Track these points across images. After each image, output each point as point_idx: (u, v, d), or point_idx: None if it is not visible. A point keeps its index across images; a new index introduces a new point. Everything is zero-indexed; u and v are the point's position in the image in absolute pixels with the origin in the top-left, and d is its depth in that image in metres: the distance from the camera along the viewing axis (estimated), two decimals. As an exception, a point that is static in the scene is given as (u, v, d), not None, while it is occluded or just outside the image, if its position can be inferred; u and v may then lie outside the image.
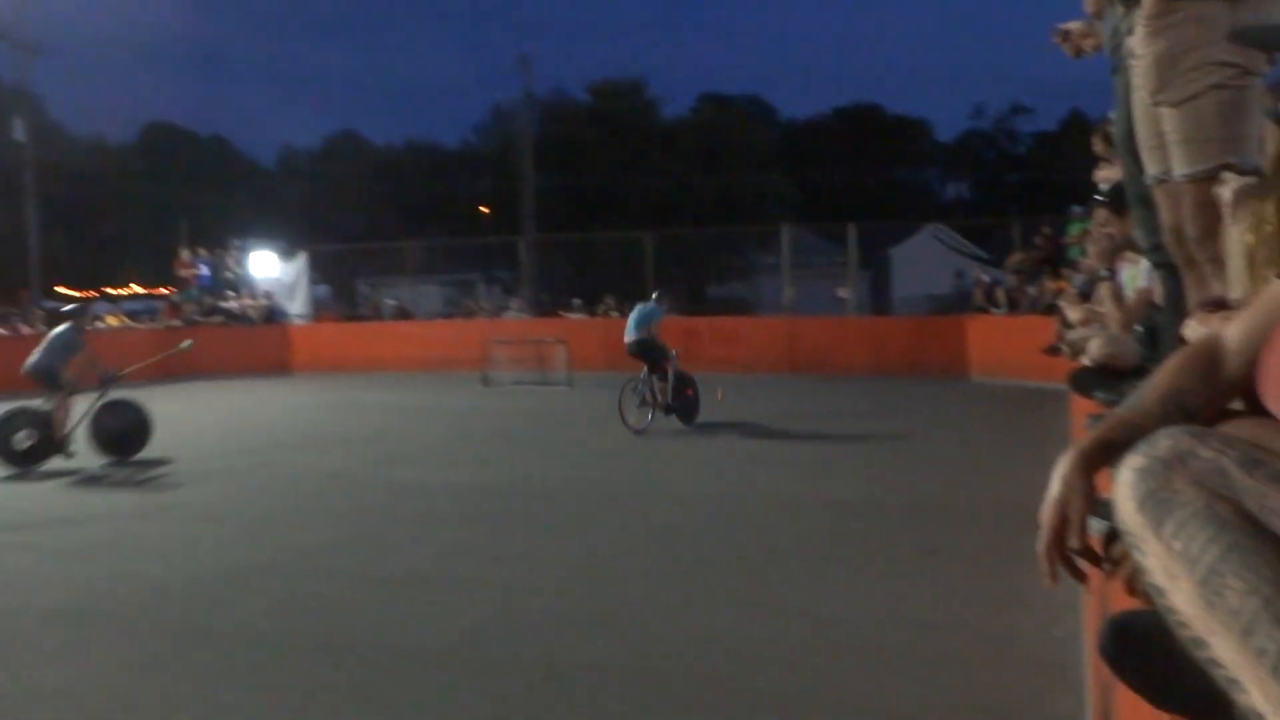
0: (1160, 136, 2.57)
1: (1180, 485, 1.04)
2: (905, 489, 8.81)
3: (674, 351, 12.81)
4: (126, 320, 25.17)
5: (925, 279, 37.58)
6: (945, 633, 5.08)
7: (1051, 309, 13.06)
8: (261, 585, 6.23)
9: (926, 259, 41.33)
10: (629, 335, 12.88)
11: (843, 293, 19.84)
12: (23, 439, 10.32)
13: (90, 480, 10.14)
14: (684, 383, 12.82)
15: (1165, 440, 1.09)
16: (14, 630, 5.43)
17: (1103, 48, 3.31)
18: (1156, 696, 1.18)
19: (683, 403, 12.72)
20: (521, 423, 13.98)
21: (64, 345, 10.90)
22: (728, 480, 9.47)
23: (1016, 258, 18.47)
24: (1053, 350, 9.19)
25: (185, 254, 25.01)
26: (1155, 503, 1.05)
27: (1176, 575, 1.01)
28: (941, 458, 10.48)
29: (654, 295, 13.60)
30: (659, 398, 12.44)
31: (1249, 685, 0.93)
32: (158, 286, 33.85)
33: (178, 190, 43.96)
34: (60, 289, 41.54)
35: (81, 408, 10.97)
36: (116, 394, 11.17)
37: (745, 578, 6.19)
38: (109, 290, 43.78)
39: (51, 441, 10.53)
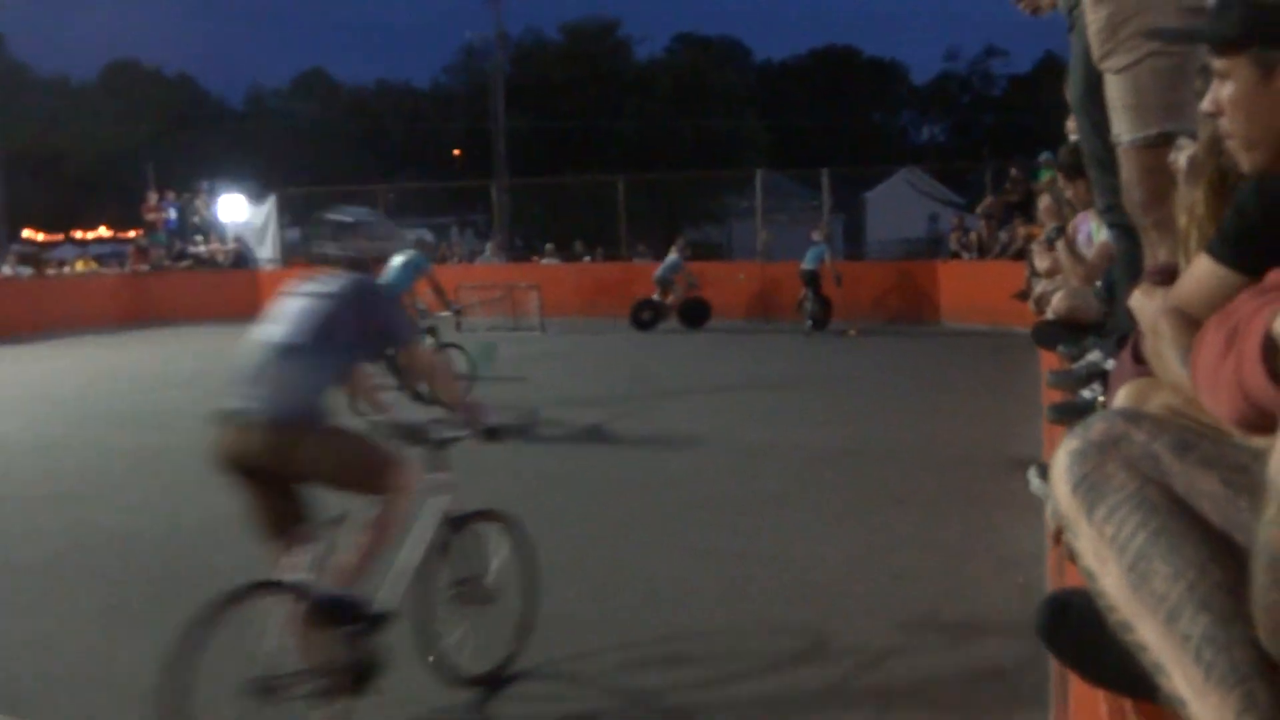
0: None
1: (1113, 469, 1.07)
2: (879, 436, 8.90)
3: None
4: (94, 265, 24.85)
5: (899, 223, 37.61)
6: (913, 579, 5.18)
7: (1022, 254, 13.12)
8: (235, 534, 6.22)
9: (900, 203, 41.30)
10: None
11: (816, 237, 19.74)
12: None
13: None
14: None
15: (1100, 423, 1.11)
16: (-14, 582, 5.44)
17: (1058, 6, 3.31)
18: (1088, 674, 1.22)
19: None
20: (494, 368, 13.95)
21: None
22: (699, 428, 9.52)
23: (986, 202, 18.49)
24: (1022, 295, 9.29)
25: (152, 197, 24.64)
26: (1088, 487, 1.07)
27: (1106, 559, 1.04)
28: (913, 405, 10.56)
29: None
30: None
31: (1171, 670, 0.96)
32: (126, 230, 33.38)
33: (144, 131, 43.21)
34: (27, 232, 40.92)
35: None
36: None
37: (714, 526, 6.26)
38: (77, 234, 43.17)
39: None
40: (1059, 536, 1.33)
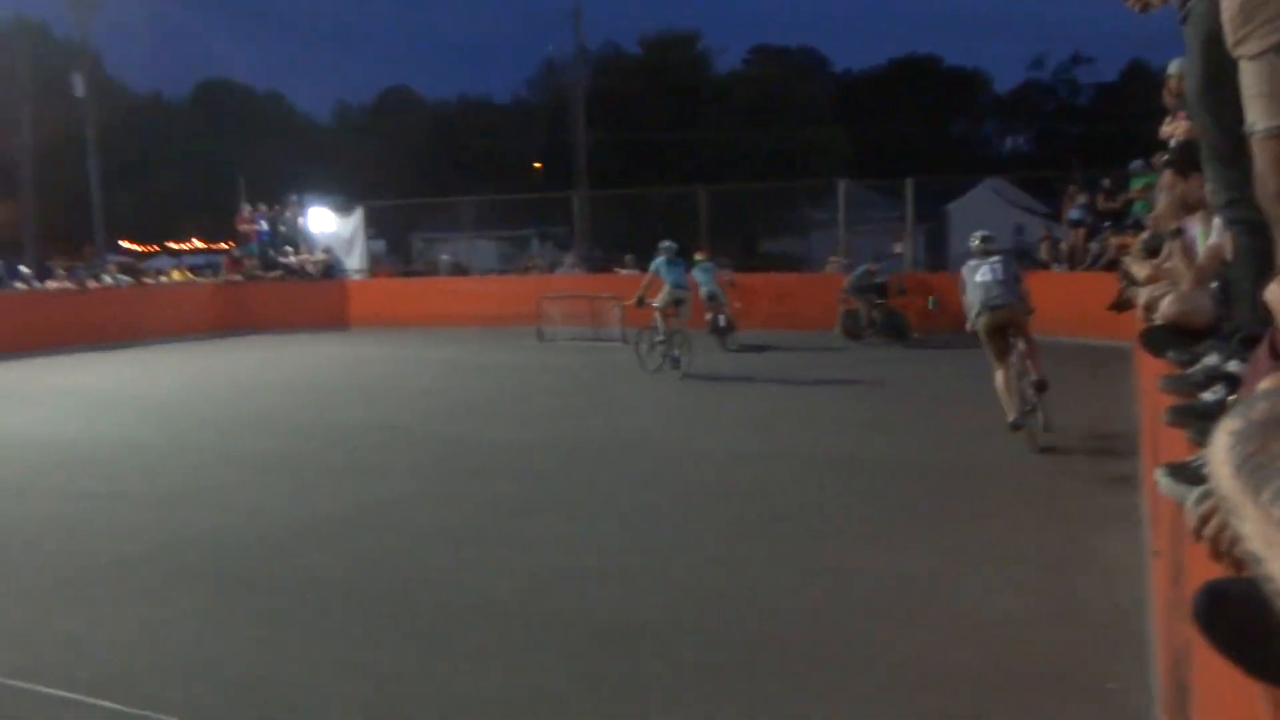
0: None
1: (1278, 449, 1.03)
2: (966, 449, 8.75)
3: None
4: (189, 274, 25.54)
5: (984, 234, 36.98)
6: (1003, 595, 5.07)
7: (1114, 265, 12.83)
8: (328, 536, 6.37)
9: (984, 213, 40.61)
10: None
11: (898, 248, 19.52)
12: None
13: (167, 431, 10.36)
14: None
15: (1263, 403, 1.07)
16: (88, 578, 5.60)
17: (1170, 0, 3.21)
18: (1250, 666, 1.17)
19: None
20: (575, 379, 14.05)
21: None
22: (778, 440, 9.47)
23: (1101, 198, 17.96)
24: (1116, 307, 9.05)
25: (245, 209, 25.28)
26: (1253, 468, 1.03)
27: (1275, 542, 0.99)
28: (999, 417, 10.35)
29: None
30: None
31: None
32: (218, 241, 34.27)
33: (235, 145, 44.37)
34: (124, 244, 42.27)
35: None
36: None
37: (801, 538, 6.20)
38: (171, 245, 44.47)
39: None
40: (1201, 529, 1.29)
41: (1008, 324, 8.56)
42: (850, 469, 8.01)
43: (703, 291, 16.18)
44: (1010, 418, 8.37)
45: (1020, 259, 22.97)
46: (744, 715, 3.80)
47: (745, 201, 34.21)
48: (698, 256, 17.34)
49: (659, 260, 13.91)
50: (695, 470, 8.13)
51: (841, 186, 21.73)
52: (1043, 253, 18.95)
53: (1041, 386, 8.30)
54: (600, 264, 28.86)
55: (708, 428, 10.10)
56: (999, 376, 8.60)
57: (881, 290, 17.34)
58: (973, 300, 8.60)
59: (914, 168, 25.84)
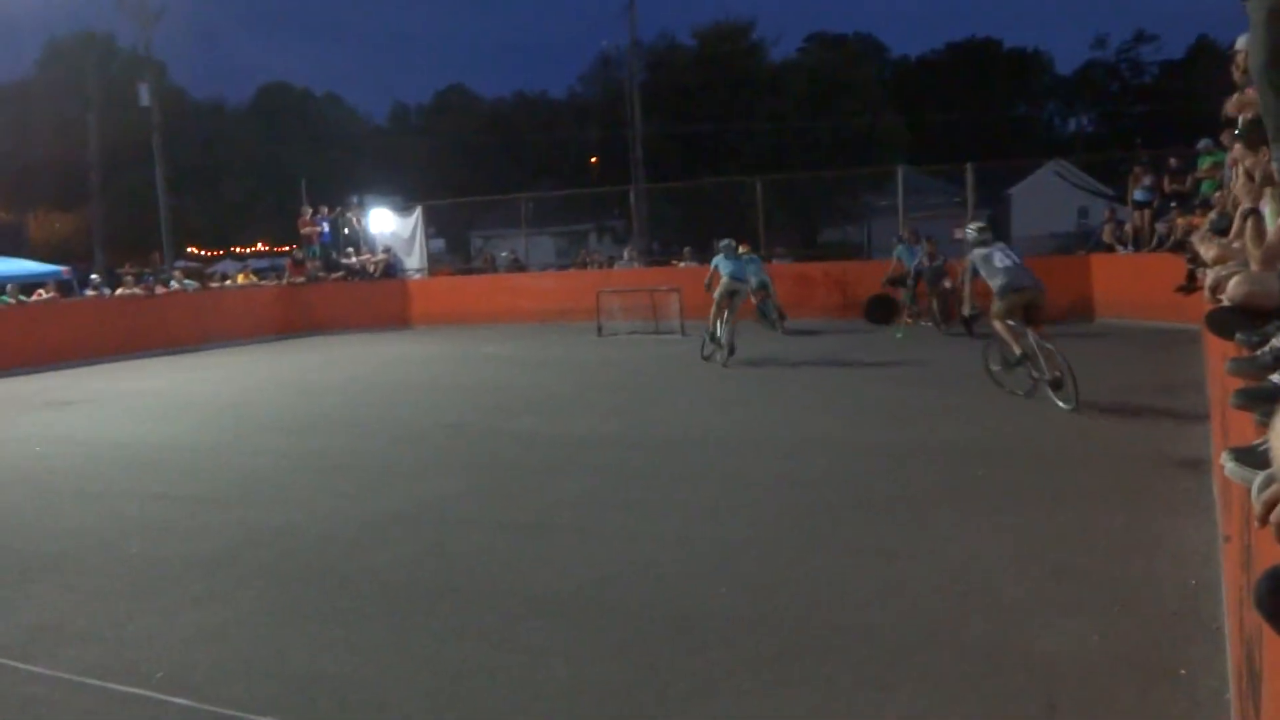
0: None
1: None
2: (1030, 433, 8.63)
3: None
4: (254, 278, 26.00)
5: (1047, 217, 36.46)
6: (1073, 579, 4.99)
7: (1181, 246, 12.54)
8: (394, 533, 6.45)
9: (1048, 197, 40.06)
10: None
11: (961, 234, 19.24)
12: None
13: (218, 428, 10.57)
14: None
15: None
16: (160, 577, 5.73)
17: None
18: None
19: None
20: (636, 373, 14.07)
21: None
22: (841, 426, 9.41)
23: (1170, 173, 17.66)
24: (1185, 289, 8.86)
25: (306, 212, 25.66)
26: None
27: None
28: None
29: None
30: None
31: None
32: (282, 244, 34.84)
33: (296, 149, 45.07)
34: (190, 249, 43.13)
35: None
36: None
37: (867, 525, 6.16)
38: (236, 249, 45.31)
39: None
40: (1266, 515, 1.26)
41: (1031, 304, 9.72)
42: (915, 454, 7.93)
43: (753, 282, 16.79)
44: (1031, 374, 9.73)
45: (1085, 242, 22.65)
46: (814, 706, 3.79)
47: (803, 191, 34.02)
48: (741, 251, 17.54)
49: (717, 257, 14.60)
50: (758, 460, 8.11)
51: (900, 173, 21.50)
52: (1107, 235, 18.57)
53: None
54: (658, 257, 28.88)
55: (769, 416, 10.06)
56: (1016, 348, 9.72)
57: (936, 275, 17.30)
58: (1001, 281, 9.69)
59: (975, 152, 25.49)
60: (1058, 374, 9.26)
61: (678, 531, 6.23)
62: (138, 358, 19.02)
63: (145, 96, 33.83)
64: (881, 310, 18.54)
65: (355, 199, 26.74)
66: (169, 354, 19.52)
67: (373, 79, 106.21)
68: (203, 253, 44.62)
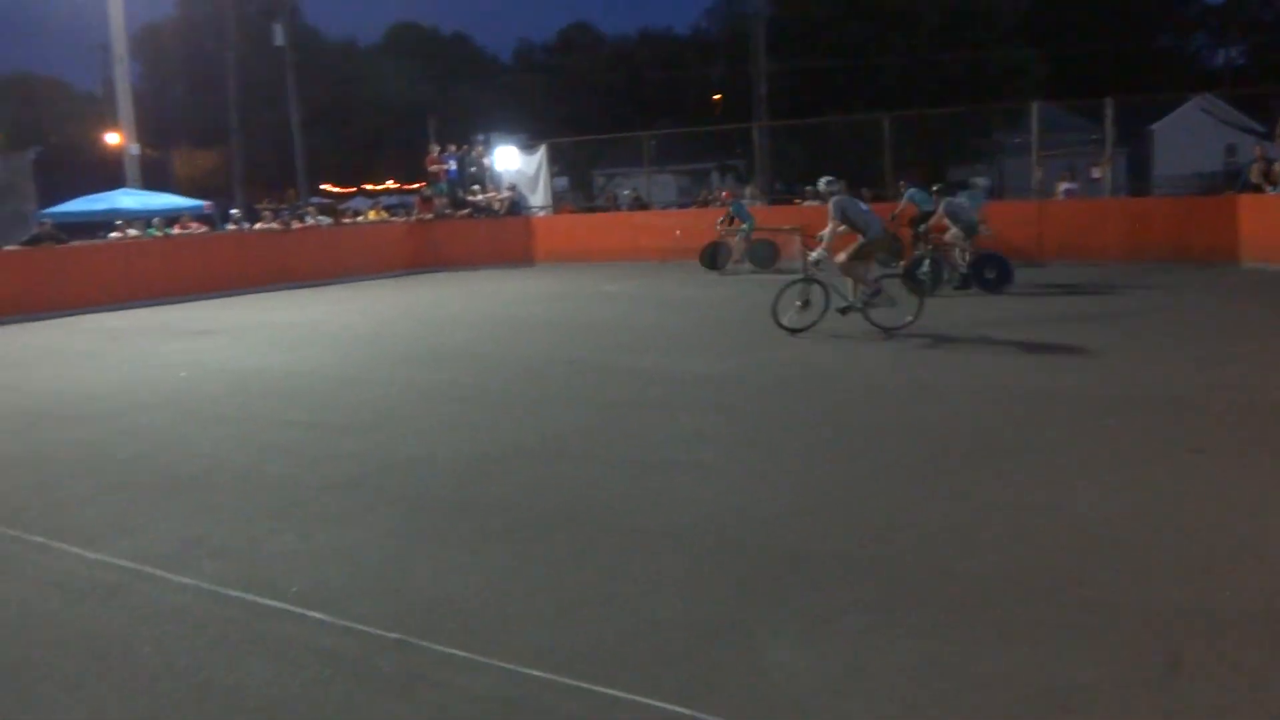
0: None
1: None
2: (1163, 384, 8.33)
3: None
4: (384, 214, 26.62)
5: (1192, 156, 34.76)
6: (1206, 533, 4.83)
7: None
8: (515, 464, 6.61)
9: (1193, 134, 38.16)
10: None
11: (1097, 173, 18.55)
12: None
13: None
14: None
15: None
16: (296, 499, 6.01)
17: None
18: None
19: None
20: (756, 311, 13.98)
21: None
22: (970, 372, 9.22)
23: None
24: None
25: (434, 150, 26.07)
26: None
27: None
28: (1208, 349, 9.80)
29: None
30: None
31: None
32: (411, 182, 35.53)
33: (424, 88, 45.67)
34: (324, 186, 44.30)
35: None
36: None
37: (988, 472, 6.05)
38: (368, 186, 46.35)
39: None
40: None
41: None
42: (1042, 402, 7.74)
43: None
44: None
45: (1233, 182, 21.50)
46: (928, 652, 3.77)
47: (933, 128, 33.02)
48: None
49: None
50: (877, 403, 8.03)
51: (1035, 109, 20.68)
52: (1255, 174, 17.59)
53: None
54: (781, 196, 28.50)
55: (888, 360, 9.92)
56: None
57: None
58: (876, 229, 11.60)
59: (1115, 86, 24.36)
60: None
61: (795, 470, 6.23)
62: (274, 290, 19.76)
63: (280, 36, 34.66)
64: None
65: (481, 137, 27.05)
66: (304, 287, 20.21)
67: (498, 18, 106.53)
68: (336, 189, 45.76)
